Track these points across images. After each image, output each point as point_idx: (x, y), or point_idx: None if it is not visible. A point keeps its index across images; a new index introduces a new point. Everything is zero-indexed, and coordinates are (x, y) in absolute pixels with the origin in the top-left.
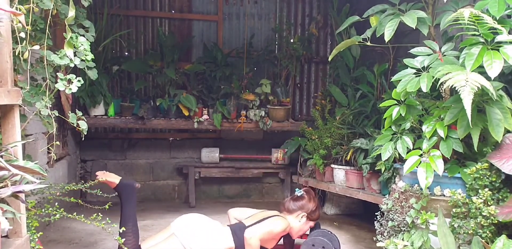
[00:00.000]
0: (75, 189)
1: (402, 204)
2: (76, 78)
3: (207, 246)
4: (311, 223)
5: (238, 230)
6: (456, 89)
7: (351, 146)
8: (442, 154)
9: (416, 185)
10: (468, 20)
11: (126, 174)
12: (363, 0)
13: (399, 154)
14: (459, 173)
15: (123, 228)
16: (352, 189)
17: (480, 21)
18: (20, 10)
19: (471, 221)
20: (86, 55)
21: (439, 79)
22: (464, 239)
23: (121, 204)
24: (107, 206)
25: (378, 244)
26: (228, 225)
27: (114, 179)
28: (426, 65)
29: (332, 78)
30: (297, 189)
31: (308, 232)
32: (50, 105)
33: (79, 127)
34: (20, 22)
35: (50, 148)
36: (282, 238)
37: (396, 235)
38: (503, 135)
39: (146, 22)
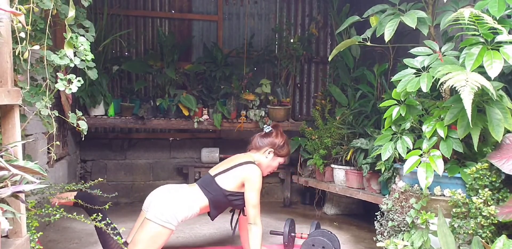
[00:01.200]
0: (75, 189)
1: (402, 204)
2: (76, 78)
3: (182, 213)
4: (280, 160)
5: (205, 183)
6: (456, 89)
7: (351, 146)
8: (442, 154)
9: (416, 185)
10: (468, 20)
11: (126, 174)
12: (363, 0)
13: (399, 154)
14: (459, 173)
15: (123, 228)
16: (352, 189)
17: (480, 21)
18: (20, 10)
19: (471, 221)
20: (86, 55)
21: (439, 79)
22: (464, 239)
23: (88, 213)
24: (107, 206)
25: (378, 244)
26: (195, 183)
27: (67, 197)
28: (426, 65)
29: (332, 78)
30: (265, 126)
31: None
32: (50, 105)
33: (79, 127)
34: (20, 22)
35: (50, 148)
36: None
37: (396, 235)
38: (503, 135)
39: (146, 22)
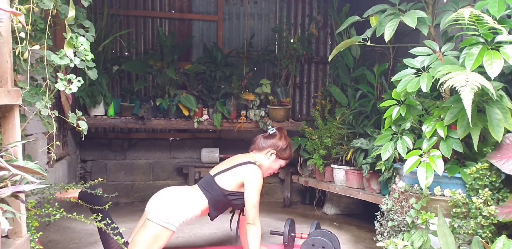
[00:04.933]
0: (75, 189)
1: (402, 204)
2: (76, 78)
3: (183, 214)
4: (282, 162)
5: (205, 183)
6: (456, 89)
7: (351, 146)
8: (442, 154)
9: (416, 185)
10: (468, 20)
11: (126, 174)
12: (363, 0)
13: (399, 154)
14: (459, 173)
15: (123, 228)
16: (352, 189)
17: (480, 21)
18: (20, 10)
19: (471, 221)
20: (86, 55)
21: (439, 79)
22: (464, 239)
23: (91, 210)
24: (107, 206)
25: (378, 244)
26: (196, 184)
27: (72, 193)
28: (426, 65)
29: (332, 78)
30: (270, 127)
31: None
32: (50, 106)
33: (79, 127)
34: (20, 22)
35: (50, 148)
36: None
37: (396, 235)
38: (503, 135)
39: (146, 22)
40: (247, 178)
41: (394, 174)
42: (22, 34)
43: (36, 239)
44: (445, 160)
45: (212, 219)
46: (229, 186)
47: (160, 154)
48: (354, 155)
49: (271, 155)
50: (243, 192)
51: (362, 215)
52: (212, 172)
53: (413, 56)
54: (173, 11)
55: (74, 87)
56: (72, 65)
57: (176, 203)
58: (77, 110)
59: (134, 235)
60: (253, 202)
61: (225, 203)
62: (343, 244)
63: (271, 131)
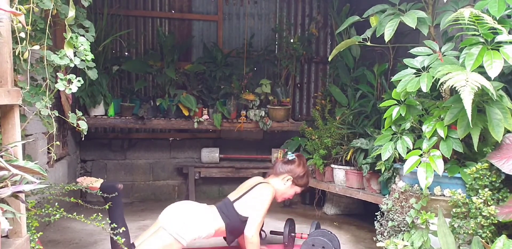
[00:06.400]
0: (75, 189)
1: (402, 204)
2: (76, 78)
3: (197, 231)
4: (297, 189)
5: (224, 207)
6: (456, 89)
7: (351, 146)
8: (442, 154)
9: (416, 185)
10: (468, 20)
11: (126, 174)
12: (363, 0)
13: (399, 154)
14: (459, 173)
15: (123, 228)
16: (352, 189)
17: (480, 21)
18: (20, 10)
19: (471, 221)
20: (86, 55)
21: (439, 79)
22: (464, 239)
23: (109, 208)
24: (107, 206)
25: (378, 244)
26: (214, 205)
27: (95, 183)
28: (426, 65)
29: (332, 78)
30: (289, 153)
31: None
32: (50, 106)
33: (79, 127)
34: (20, 22)
35: (50, 148)
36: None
37: (396, 235)
38: (503, 135)
39: (146, 22)
40: (259, 193)
41: (394, 174)
42: (22, 34)
43: (36, 239)
44: (445, 160)
45: (229, 244)
46: (246, 211)
47: (160, 154)
48: (354, 155)
49: (287, 180)
50: None
51: (362, 215)
52: (231, 197)
53: (413, 56)
54: (173, 11)
55: (74, 87)
56: (72, 65)
57: (193, 219)
58: (77, 110)
59: (142, 239)
60: (258, 215)
61: (242, 228)
62: (343, 244)
63: (290, 157)
